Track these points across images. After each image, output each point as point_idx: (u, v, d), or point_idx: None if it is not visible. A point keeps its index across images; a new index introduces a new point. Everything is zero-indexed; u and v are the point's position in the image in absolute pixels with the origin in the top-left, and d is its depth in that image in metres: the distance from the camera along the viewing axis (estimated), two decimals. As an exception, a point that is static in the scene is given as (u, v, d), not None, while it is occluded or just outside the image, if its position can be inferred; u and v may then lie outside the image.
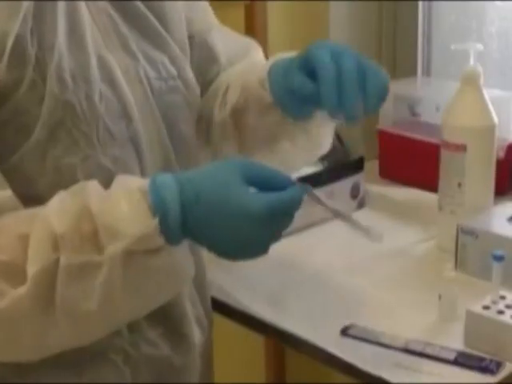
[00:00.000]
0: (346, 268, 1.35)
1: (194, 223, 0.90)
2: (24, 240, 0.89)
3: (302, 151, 1.20)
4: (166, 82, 1.10)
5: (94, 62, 1.00)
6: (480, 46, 1.38)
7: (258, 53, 1.32)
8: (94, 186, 0.92)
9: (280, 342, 1.16)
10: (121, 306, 0.91)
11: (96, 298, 0.88)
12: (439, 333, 1.16)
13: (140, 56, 1.07)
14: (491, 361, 1.08)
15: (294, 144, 1.18)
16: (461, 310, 1.15)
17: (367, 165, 1.75)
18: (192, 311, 1.14)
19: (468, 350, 1.11)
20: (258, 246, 0.93)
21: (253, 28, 1.90)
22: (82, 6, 1.01)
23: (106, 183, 0.94)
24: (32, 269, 0.87)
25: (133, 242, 0.88)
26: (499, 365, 1.07)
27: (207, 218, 0.90)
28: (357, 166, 1.63)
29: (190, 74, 1.14)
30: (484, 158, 1.38)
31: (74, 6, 0.99)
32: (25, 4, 0.93)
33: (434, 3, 1.93)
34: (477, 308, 1.12)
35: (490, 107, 1.38)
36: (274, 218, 0.90)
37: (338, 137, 1.75)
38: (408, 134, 1.74)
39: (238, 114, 1.18)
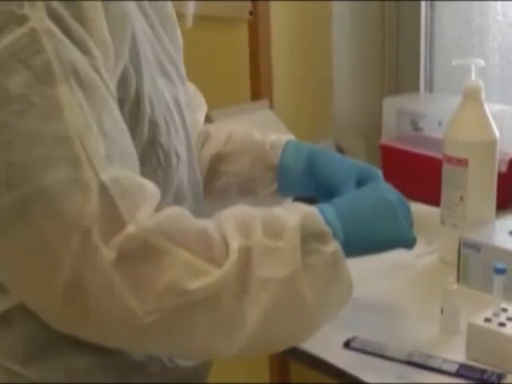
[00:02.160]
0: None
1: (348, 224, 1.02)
2: (221, 228, 0.93)
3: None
4: (189, 108, 1.14)
5: (155, 85, 1.02)
6: (481, 62, 1.40)
7: (205, 105, 1.37)
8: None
9: (283, 354, 1.16)
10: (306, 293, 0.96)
11: (286, 271, 0.93)
12: (441, 345, 1.16)
13: (175, 81, 1.09)
14: (493, 373, 1.08)
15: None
16: (463, 323, 1.16)
17: (370, 179, 1.76)
18: None
19: (470, 363, 1.11)
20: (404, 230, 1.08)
21: (257, 45, 1.91)
22: (141, 31, 1.01)
23: (176, 203, 1.00)
24: (235, 243, 0.91)
25: (303, 217, 0.96)
26: (501, 377, 1.08)
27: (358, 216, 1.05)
28: (360, 180, 1.63)
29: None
30: (486, 172, 1.39)
31: (140, 31, 1.00)
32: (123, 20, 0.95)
33: (437, 19, 1.94)
34: (478, 320, 1.12)
35: (492, 122, 1.39)
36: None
37: (340, 151, 1.77)
38: (411, 148, 1.75)
39: (219, 159, 1.26)
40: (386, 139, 1.81)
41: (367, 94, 2.00)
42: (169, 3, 1.14)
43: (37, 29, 0.85)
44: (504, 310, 1.14)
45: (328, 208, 1.03)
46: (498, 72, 1.83)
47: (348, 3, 1.93)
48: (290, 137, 1.31)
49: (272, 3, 1.94)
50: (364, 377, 1.10)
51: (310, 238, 0.96)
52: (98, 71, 0.89)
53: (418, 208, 1.64)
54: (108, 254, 0.85)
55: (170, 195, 1.04)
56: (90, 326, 0.89)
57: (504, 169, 1.60)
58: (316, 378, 2.11)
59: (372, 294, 1.32)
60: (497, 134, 1.39)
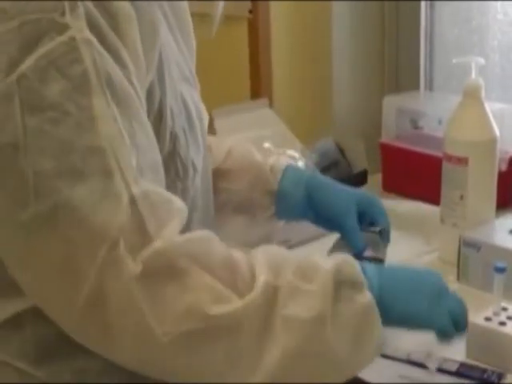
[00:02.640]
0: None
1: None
2: (250, 261, 0.91)
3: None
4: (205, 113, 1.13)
5: (179, 96, 1.01)
6: (481, 60, 1.39)
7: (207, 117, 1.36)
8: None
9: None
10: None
11: (312, 313, 0.89)
12: (441, 344, 1.16)
13: (194, 86, 1.08)
14: (493, 372, 1.08)
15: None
16: (463, 322, 1.15)
17: (370, 178, 1.77)
18: None
19: (470, 362, 1.11)
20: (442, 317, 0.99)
21: (256, 43, 1.91)
22: (164, 38, 1.00)
23: (191, 214, 0.98)
24: (262, 277, 0.88)
25: (337, 268, 0.92)
26: (501, 376, 1.08)
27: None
28: (360, 179, 1.64)
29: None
30: (486, 171, 1.39)
31: (163, 39, 0.99)
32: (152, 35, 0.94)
33: (437, 18, 1.94)
34: (479, 320, 1.12)
35: (492, 120, 1.39)
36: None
37: (340, 151, 1.77)
38: (411, 147, 1.75)
39: (218, 175, 1.24)
40: (385, 138, 1.81)
41: (367, 93, 2.00)
42: (186, 5, 1.13)
43: (77, 38, 0.85)
44: (504, 309, 1.14)
45: (370, 264, 0.99)
46: (498, 70, 1.83)
47: (348, 2, 1.93)
48: (290, 156, 1.30)
49: (272, 2, 1.94)
50: (364, 376, 1.10)
51: (343, 285, 0.92)
52: (131, 83, 0.89)
53: (417, 207, 1.65)
54: (133, 267, 0.84)
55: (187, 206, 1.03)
56: (105, 340, 0.88)
57: (504, 168, 1.60)
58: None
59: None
60: (497, 132, 1.39)
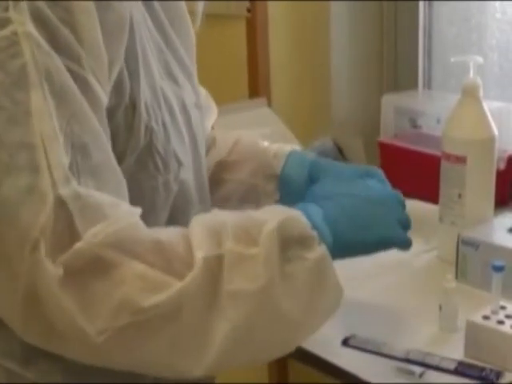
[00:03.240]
0: (348, 279, 1.34)
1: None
2: (186, 237, 0.88)
3: None
4: (198, 109, 1.13)
5: (158, 90, 1.01)
6: (480, 59, 1.39)
7: (216, 109, 1.36)
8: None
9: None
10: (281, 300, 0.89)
11: (259, 282, 0.87)
12: (440, 343, 1.16)
13: (181, 83, 1.08)
14: (491, 370, 1.08)
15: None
16: (461, 321, 1.16)
17: (369, 177, 1.76)
18: None
19: (468, 360, 1.11)
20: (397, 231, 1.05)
21: (254, 42, 1.91)
22: (146, 34, 1.01)
23: (174, 205, 0.99)
24: (200, 253, 0.86)
25: (283, 220, 0.90)
26: (499, 375, 1.08)
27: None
28: (358, 178, 1.63)
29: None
30: (484, 170, 1.39)
31: (142, 35, 0.99)
32: (120, 28, 0.94)
33: (435, 17, 1.94)
34: (477, 318, 1.12)
35: (490, 119, 1.38)
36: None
37: (339, 149, 1.77)
38: (409, 146, 1.75)
39: (222, 167, 1.25)
40: (384, 137, 1.81)
41: (366, 92, 2.00)
42: (182, 3, 1.13)
43: (18, 32, 0.84)
44: (502, 308, 1.13)
45: (314, 209, 0.98)
46: (496, 69, 1.83)
47: (346, 1, 1.92)
48: (295, 146, 1.29)
49: (270, 1, 1.94)
50: (362, 374, 1.10)
51: (290, 243, 0.90)
52: (81, 80, 0.87)
53: (416, 205, 1.64)
54: (54, 270, 0.81)
55: (170, 202, 1.02)
56: (52, 341, 0.86)
57: (502, 166, 1.60)
58: (314, 378, 2.12)
59: (370, 292, 1.32)
60: (495, 131, 1.39)
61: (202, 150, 1.13)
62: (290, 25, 1.98)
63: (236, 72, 1.98)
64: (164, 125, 1.00)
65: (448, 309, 1.19)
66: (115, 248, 0.84)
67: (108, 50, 0.90)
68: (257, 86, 1.94)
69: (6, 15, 0.85)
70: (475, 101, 1.38)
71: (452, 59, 1.46)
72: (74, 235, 0.82)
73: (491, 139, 1.39)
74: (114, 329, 0.83)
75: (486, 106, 1.39)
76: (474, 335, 1.11)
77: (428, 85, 1.99)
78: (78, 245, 0.82)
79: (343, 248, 0.99)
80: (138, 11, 0.99)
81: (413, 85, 1.97)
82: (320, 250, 0.92)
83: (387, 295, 1.31)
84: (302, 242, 0.91)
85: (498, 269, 1.12)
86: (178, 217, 1.03)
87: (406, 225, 1.08)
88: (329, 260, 0.93)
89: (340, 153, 1.78)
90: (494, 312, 1.13)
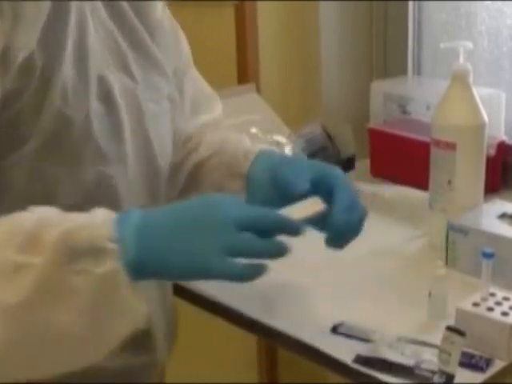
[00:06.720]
0: (337, 265, 1.35)
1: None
2: None
3: None
4: (160, 105, 1.11)
5: (94, 79, 1.00)
6: (469, 45, 1.39)
7: (219, 108, 1.35)
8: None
9: (270, 340, 1.15)
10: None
11: (23, 295, 0.83)
12: (429, 330, 1.16)
13: (139, 78, 1.07)
14: (481, 358, 1.08)
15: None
16: (451, 307, 1.15)
17: (358, 163, 1.76)
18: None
19: (458, 347, 1.11)
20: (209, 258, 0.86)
21: (243, 28, 1.90)
22: (90, 22, 1.00)
23: (86, 197, 0.96)
24: None
25: (67, 235, 0.84)
26: (488, 362, 1.07)
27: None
28: (348, 164, 1.64)
29: (177, 97, 1.18)
30: (474, 156, 1.39)
31: (84, 22, 0.99)
32: (35, 15, 0.92)
33: (424, 2, 1.94)
34: (466, 305, 1.12)
35: (480, 105, 1.38)
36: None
37: (328, 136, 1.76)
38: (399, 132, 1.74)
39: (199, 168, 1.24)
40: (373, 123, 1.80)
41: (355, 78, 1.99)
42: (158, 8, 1.15)
43: None
44: (492, 295, 1.13)
45: (133, 217, 0.88)
46: (486, 55, 1.82)
47: (336, -14, 1.92)
48: (272, 146, 1.27)
49: (259, -14, 1.93)
50: (351, 362, 1.10)
51: (81, 254, 0.84)
52: None
53: (406, 192, 1.64)
54: None
55: (79, 193, 0.98)
56: None
57: (493, 153, 1.59)
58: (304, 378, 2.13)
59: (360, 279, 1.31)
60: (485, 117, 1.38)
61: (162, 148, 1.12)
62: (280, 11, 1.97)
63: (225, 58, 1.96)
64: (87, 115, 0.98)
65: (437, 296, 1.18)
66: None
67: (14, 34, 0.90)
68: (246, 72, 1.93)
69: None
70: (465, 87, 1.37)
71: (442, 45, 1.45)
72: None
73: (481, 125, 1.38)
74: None
75: (476, 92, 1.38)
76: (464, 322, 1.11)
77: (417, 71, 1.98)
78: None
79: (149, 267, 0.87)
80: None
81: (402, 71, 1.96)
82: (111, 265, 0.84)
83: (377, 282, 1.31)
84: (94, 253, 0.84)
85: (488, 255, 1.12)
86: None
87: (236, 253, 0.88)
88: (119, 275, 0.85)
89: (329, 139, 1.77)
90: (484, 299, 1.12)
